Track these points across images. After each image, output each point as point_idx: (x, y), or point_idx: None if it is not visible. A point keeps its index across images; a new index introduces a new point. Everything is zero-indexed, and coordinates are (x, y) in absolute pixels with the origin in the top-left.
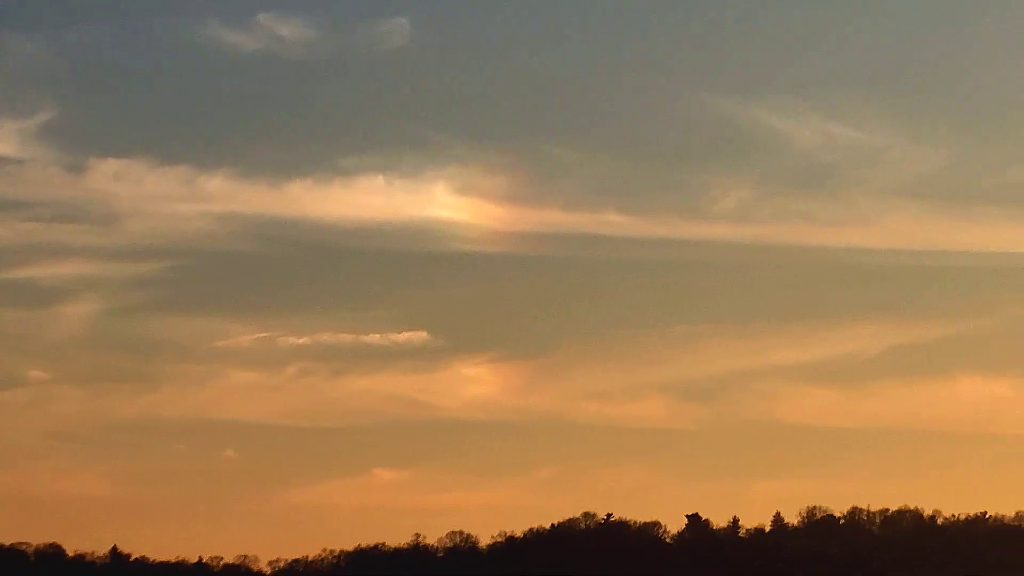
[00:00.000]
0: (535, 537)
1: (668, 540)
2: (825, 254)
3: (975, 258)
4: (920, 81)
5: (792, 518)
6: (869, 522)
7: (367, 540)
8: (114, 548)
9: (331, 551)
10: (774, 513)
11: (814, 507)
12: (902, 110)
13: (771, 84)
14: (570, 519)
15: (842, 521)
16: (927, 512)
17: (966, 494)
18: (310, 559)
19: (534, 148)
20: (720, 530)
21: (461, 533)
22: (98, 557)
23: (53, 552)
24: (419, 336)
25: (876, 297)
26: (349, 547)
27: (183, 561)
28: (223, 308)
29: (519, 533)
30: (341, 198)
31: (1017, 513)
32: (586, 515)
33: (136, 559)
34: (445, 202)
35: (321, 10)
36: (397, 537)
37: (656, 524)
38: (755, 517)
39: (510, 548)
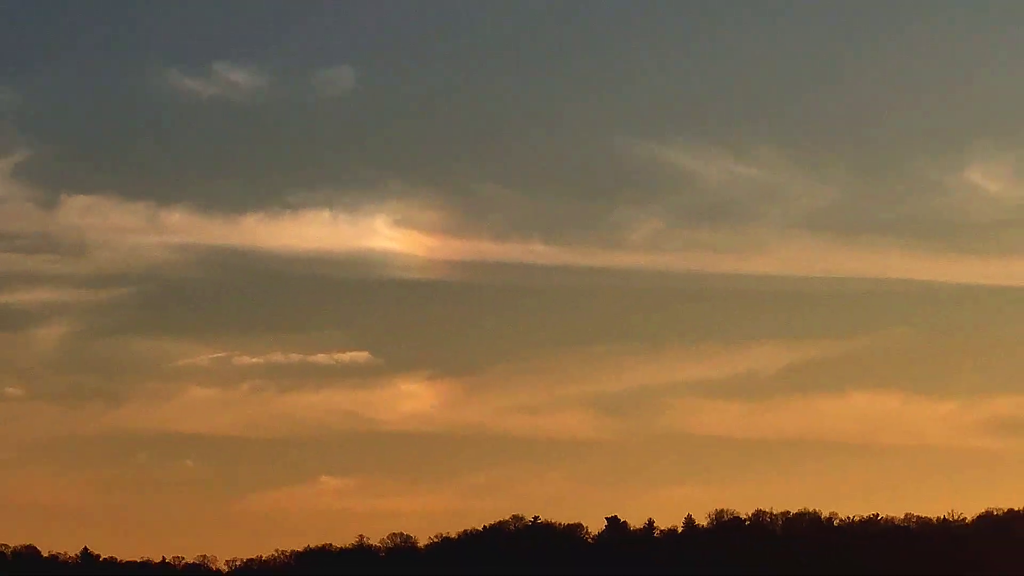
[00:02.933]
0: (469, 538)
1: (590, 540)
2: (729, 280)
3: (862, 283)
4: (816, 124)
5: (702, 520)
6: (772, 523)
7: (315, 541)
8: (85, 549)
9: (283, 551)
10: (685, 516)
11: (722, 510)
12: (799, 150)
13: (681, 127)
14: (500, 521)
15: (747, 523)
16: (824, 514)
17: (859, 498)
18: (264, 558)
19: (465, 185)
20: (637, 531)
21: (401, 534)
22: (70, 557)
23: (29, 553)
24: (361, 356)
25: (775, 319)
26: (299, 547)
27: (148, 561)
28: (183, 331)
29: (454, 534)
30: (290, 230)
31: (906, 515)
32: (515, 517)
33: (105, 559)
34: (384, 234)
35: (272, 59)
36: (343, 538)
37: (579, 526)
38: (668, 519)
39: (446, 548)
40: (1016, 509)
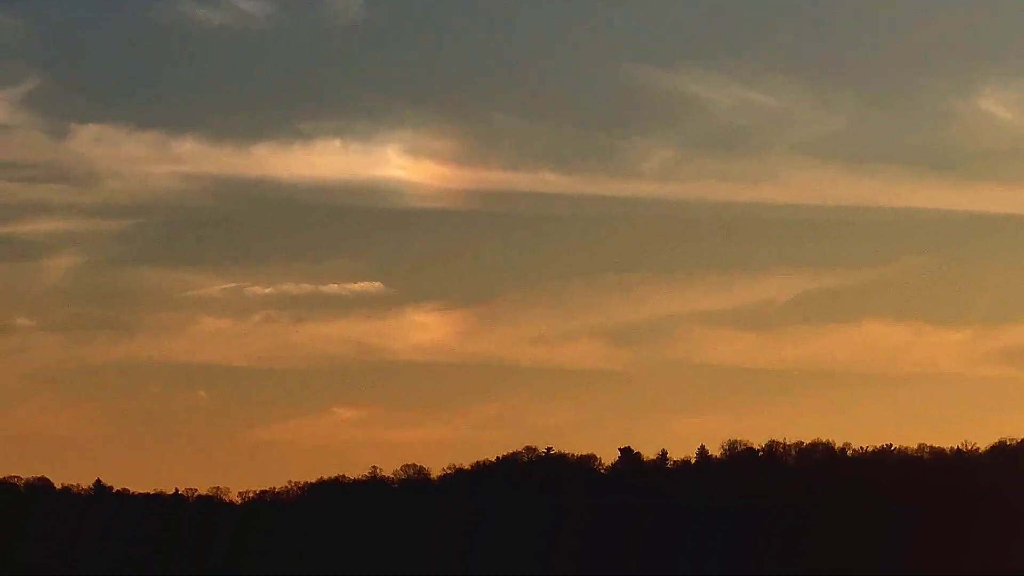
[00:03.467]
0: (482, 469)
1: (603, 471)
2: (741, 209)
3: (876, 213)
4: (826, 51)
5: (715, 451)
6: (785, 454)
7: (328, 473)
8: (98, 481)
9: (296, 483)
10: (699, 446)
11: (735, 440)
12: (810, 77)
13: (691, 54)
14: (513, 452)
15: (760, 453)
16: (838, 445)
17: (872, 428)
18: (277, 490)
19: (477, 114)
20: (650, 462)
21: (414, 466)
22: (83, 489)
23: (42, 485)
24: (373, 286)
25: (788, 249)
26: (312, 479)
27: (161, 493)
28: (194, 261)
29: (467, 465)
30: (301, 159)
31: (919, 445)
32: (528, 449)
33: (118, 491)
34: (396, 163)
35: None
36: (355, 470)
37: (592, 457)
38: (681, 450)
39: (459, 479)
40: None
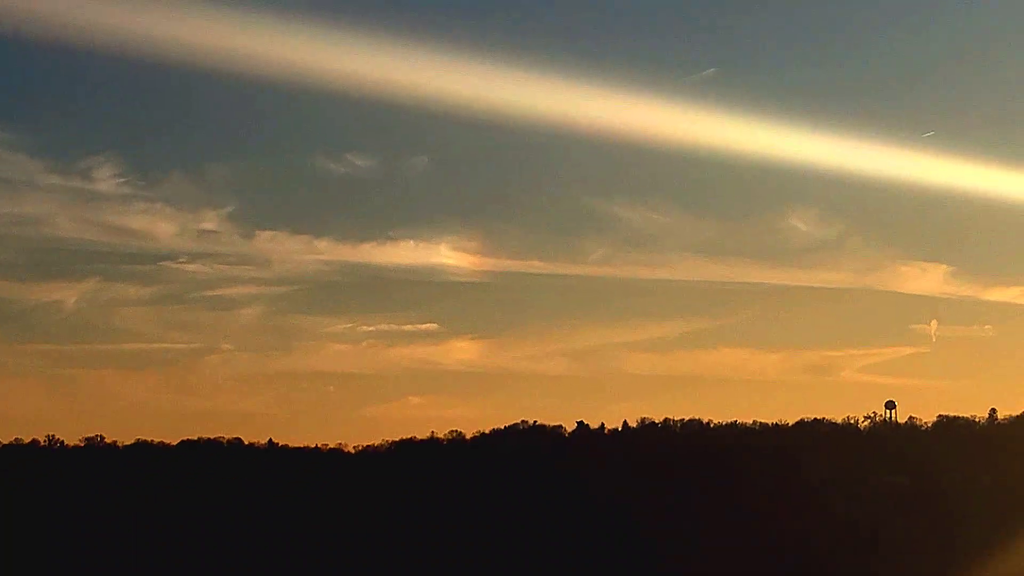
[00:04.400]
0: (497, 432)
1: (566, 435)
2: (647, 284)
3: (727, 285)
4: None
5: (632, 423)
6: (672, 426)
7: (404, 436)
8: (270, 440)
9: (387, 440)
10: (623, 420)
11: (644, 417)
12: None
13: (618, 191)
14: (515, 422)
15: (658, 425)
16: (705, 420)
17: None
18: (376, 444)
19: (492, 226)
20: (595, 429)
21: (456, 430)
22: (261, 445)
23: (236, 443)
24: (433, 326)
25: (674, 306)
26: (396, 439)
27: (307, 446)
28: (327, 312)
29: (487, 431)
30: (391, 253)
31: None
32: (522, 421)
33: (282, 446)
34: (446, 255)
35: (377, 151)
36: (421, 434)
37: (560, 426)
38: (613, 422)
39: (485, 438)
40: None
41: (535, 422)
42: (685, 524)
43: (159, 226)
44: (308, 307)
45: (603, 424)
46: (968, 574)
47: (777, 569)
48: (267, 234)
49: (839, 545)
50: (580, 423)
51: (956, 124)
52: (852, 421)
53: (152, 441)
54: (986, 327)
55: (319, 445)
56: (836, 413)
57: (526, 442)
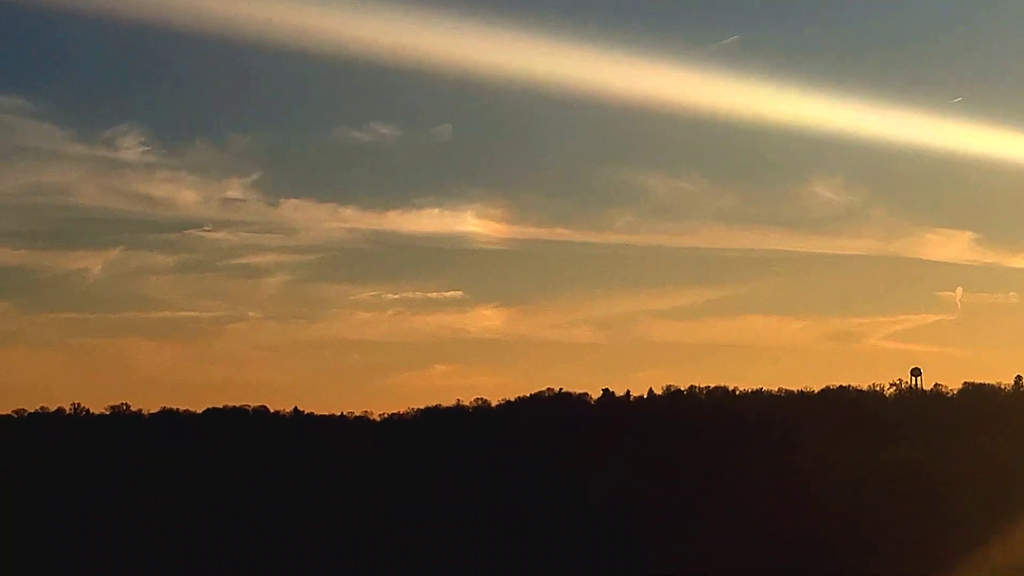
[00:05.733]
0: (523, 399)
1: (592, 402)
2: (673, 252)
3: (751, 252)
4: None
5: (658, 391)
6: (699, 394)
7: (431, 403)
8: (295, 408)
9: (412, 408)
10: (648, 388)
11: (670, 385)
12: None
13: (639, 159)
14: (541, 390)
15: (685, 393)
16: (731, 387)
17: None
18: (401, 412)
19: (516, 194)
20: (620, 397)
21: (481, 398)
22: (287, 412)
23: (262, 411)
24: (458, 293)
25: (701, 274)
26: (421, 406)
27: (333, 414)
28: (353, 279)
29: (512, 398)
30: (415, 220)
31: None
32: (548, 388)
33: (308, 414)
34: (472, 222)
35: (404, 118)
36: (447, 401)
37: (586, 393)
38: (638, 390)
39: (510, 406)
40: None
41: (560, 390)
42: (707, 493)
43: (184, 194)
44: (333, 275)
45: (628, 392)
46: (990, 547)
47: (793, 543)
48: (292, 202)
49: (856, 517)
50: (606, 391)
51: (983, 90)
52: (878, 388)
53: (178, 409)
54: (1011, 294)
55: (345, 413)
56: (862, 380)
57: (552, 410)
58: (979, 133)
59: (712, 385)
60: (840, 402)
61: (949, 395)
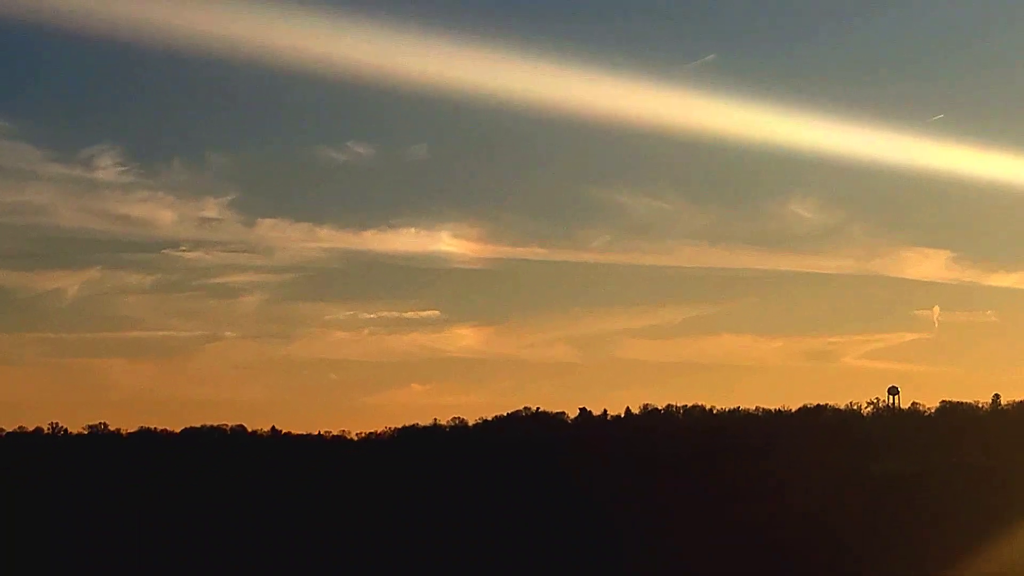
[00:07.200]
0: (500, 419)
1: (568, 421)
2: (647, 270)
3: (725, 272)
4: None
5: (635, 409)
6: (676, 412)
7: (408, 422)
8: (273, 427)
9: (389, 427)
10: (625, 407)
11: (647, 404)
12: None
13: (617, 178)
14: (518, 409)
15: (661, 412)
16: (707, 406)
17: (734, 397)
18: (378, 431)
19: (493, 213)
20: (598, 416)
21: (459, 417)
22: (264, 433)
23: (240, 430)
24: (435, 313)
25: (675, 292)
26: (399, 425)
27: (320, 434)
28: (329, 298)
29: (490, 417)
30: (392, 240)
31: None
32: (525, 408)
33: (286, 433)
34: (447, 242)
35: (380, 139)
36: (424, 420)
37: (563, 412)
38: (616, 409)
39: (493, 424)
40: None
41: (538, 409)
42: (685, 512)
43: (160, 214)
44: (310, 294)
45: (606, 411)
46: (971, 560)
47: (778, 551)
48: (268, 222)
49: (836, 531)
50: (583, 410)
51: (961, 109)
52: (855, 407)
53: (155, 429)
54: (988, 312)
55: (322, 432)
56: (839, 399)
57: (529, 429)
58: (956, 152)
59: (689, 404)
60: (817, 420)
61: (927, 413)
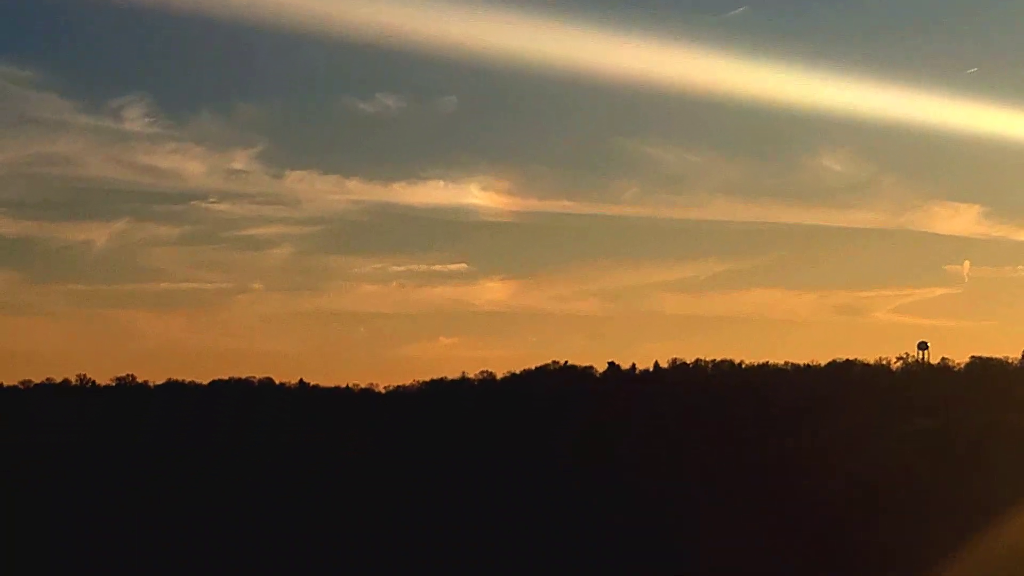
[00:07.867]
0: (529, 372)
1: (597, 376)
2: (679, 224)
3: (759, 225)
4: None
5: (664, 364)
6: (704, 367)
7: (436, 375)
8: (301, 380)
9: (417, 380)
10: (654, 361)
11: (676, 358)
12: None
13: (649, 130)
14: (546, 363)
15: (691, 366)
16: (736, 360)
17: (759, 352)
18: (406, 384)
19: (522, 166)
20: (626, 370)
21: (487, 371)
22: (292, 385)
23: (268, 382)
24: (463, 266)
25: (708, 246)
26: (427, 379)
27: (339, 385)
28: (357, 251)
29: (519, 371)
30: (421, 193)
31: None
32: (553, 361)
33: (314, 386)
34: (476, 195)
35: (409, 89)
36: (452, 373)
37: (591, 367)
38: (644, 363)
39: (521, 378)
40: None
41: (566, 362)
42: (712, 467)
43: (189, 166)
44: (338, 247)
45: (634, 365)
46: (1002, 518)
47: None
48: (297, 174)
49: (866, 492)
50: (611, 363)
51: (995, 64)
52: (884, 362)
53: (183, 381)
54: (1019, 268)
55: (350, 385)
56: (868, 354)
57: (557, 382)
58: (989, 107)
59: (718, 358)
60: (847, 375)
61: (956, 369)
